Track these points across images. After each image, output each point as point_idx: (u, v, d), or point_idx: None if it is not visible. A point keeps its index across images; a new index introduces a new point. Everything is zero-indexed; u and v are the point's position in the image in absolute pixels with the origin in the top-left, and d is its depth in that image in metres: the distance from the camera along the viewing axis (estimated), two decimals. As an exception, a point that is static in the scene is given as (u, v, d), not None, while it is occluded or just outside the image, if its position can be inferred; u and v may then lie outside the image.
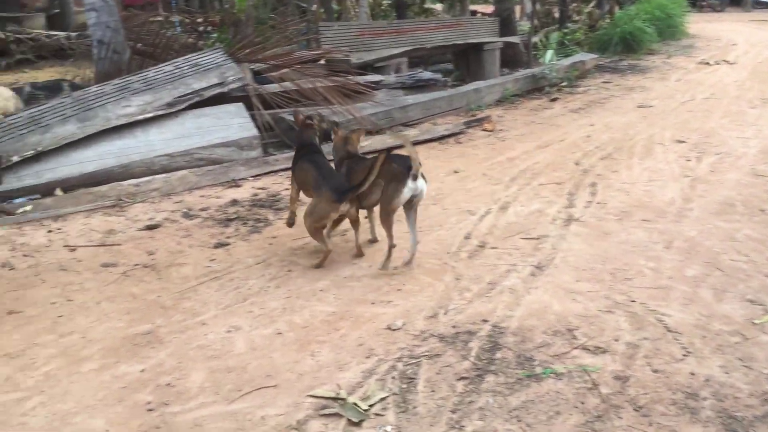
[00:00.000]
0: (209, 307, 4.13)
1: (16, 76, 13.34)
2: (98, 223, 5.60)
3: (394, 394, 3.11)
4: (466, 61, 11.80)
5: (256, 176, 6.86)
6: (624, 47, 14.43)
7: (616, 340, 3.48)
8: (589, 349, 3.40)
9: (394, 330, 3.71)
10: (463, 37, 11.98)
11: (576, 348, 3.42)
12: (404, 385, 3.17)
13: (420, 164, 4.34)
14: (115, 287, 4.50)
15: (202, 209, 5.95)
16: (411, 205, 4.46)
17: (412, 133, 8.12)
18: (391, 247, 4.44)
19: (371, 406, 3.01)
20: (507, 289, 4.12)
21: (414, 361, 3.37)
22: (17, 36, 14.69)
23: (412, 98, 9.05)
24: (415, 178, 4.32)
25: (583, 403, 2.98)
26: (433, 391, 3.12)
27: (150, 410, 3.11)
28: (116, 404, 3.17)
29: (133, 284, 4.53)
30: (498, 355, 3.39)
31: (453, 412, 2.95)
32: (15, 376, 3.42)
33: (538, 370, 3.24)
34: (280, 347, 3.60)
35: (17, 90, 6.97)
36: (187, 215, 5.82)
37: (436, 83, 9.79)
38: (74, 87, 7.64)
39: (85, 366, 3.52)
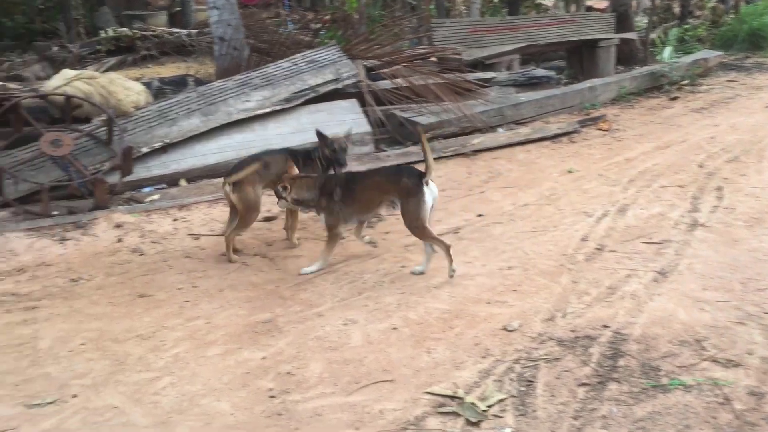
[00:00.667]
0: (325, 300, 4.21)
1: (141, 71, 14.06)
2: (219, 213, 5.82)
3: (513, 396, 3.07)
4: (579, 59, 11.47)
5: (369, 171, 6.93)
6: (750, 44, 13.61)
7: (750, 354, 3.29)
8: (719, 362, 3.23)
9: (510, 331, 3.66)
10: (577, 34, 11.64)
11: (705, 360, 3.25)
12: (522, 388, 3.12)
13: (432, 168, 4.30)
14: (236, 276, 4.67)
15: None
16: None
17: (524, 131, 7.99)
18: (449, 247, 4.32)
19: (489, 407, 2.98)
20: (628, 294, 3.98)
21: (532, 364, 3.31)
22: (143, 33, 15.47)
23: (524, 96, 8.89)
24: (428, 184, 4.25)
25: (714, 418, 2.83)
26: (552, 395, 3.05)
27: (272, 397, 3.20)
28: (240, 389, 3.28)
29: (253, 273, 4.69)
30: (620, 362, 3.28)
31: (574, 418, 2.88)
32: (147, 357, 3.61)
33: (665, 380, 3.11)
34: (395, 342, 3.63)
35: (147, 84, 7.33)
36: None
37: (549, 81, 9.58)
38: (198, 82, 7.96)
39: (210, 350, 3.67)
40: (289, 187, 4.49)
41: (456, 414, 2.95)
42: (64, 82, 6.41)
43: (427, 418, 2.96)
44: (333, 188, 4.50)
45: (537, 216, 5.46)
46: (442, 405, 3.03)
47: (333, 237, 4.60)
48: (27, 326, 4.01)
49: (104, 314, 4.16)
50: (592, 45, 11.16)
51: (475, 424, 2.87)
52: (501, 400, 3.03)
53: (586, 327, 3.64)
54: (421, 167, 4.32)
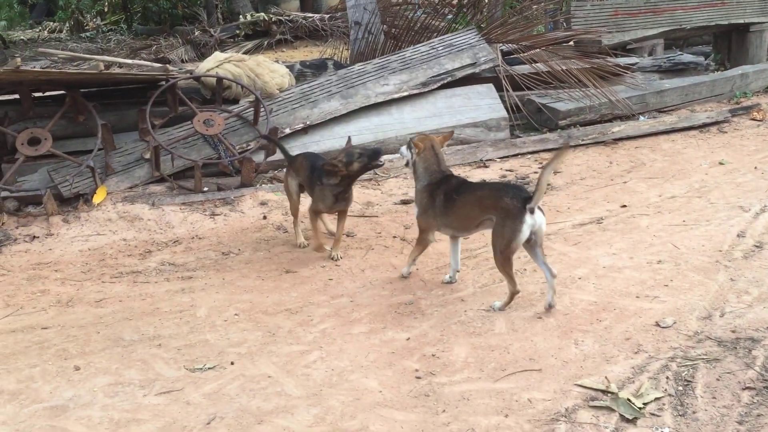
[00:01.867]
0: (467, 285, 4.20)
1: (276, 54, 14.57)
2: (357, 194, 5.92)
3: (670, 395, 2.95)
4: (727, 44, 10.78)
5: (504, 158, 6.85)
6: None
7: None
8: None
9: (663, 327, 3.51)
10: (727, 17, 10.91)
11: None
12: (680, 388, 2.99)
13: (543, 193, 3.66)
14: (377, 256, 4.75)
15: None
16: (531, 243, 3.75)
17: (669, 120, 7.62)
18: (515, 294, 3.81)
19: (646, 404, 2.88)
20: (794, 296, 3.72)
21: (690, 363, 3.17)
22: (278, 18, 15.99)
23: (668, 82, 8.48)
24: (532, 211, 3.62)
25: None
26: (714, 397, 2.91)
27: (418, 378, 3.23)
28: (386, 368, 3.34)
29: (393, 255, 4.76)
30: (789, 368, 3.08)
31: (739, 423, 2.73)
32: (296, 330, 3.75)
33: (841, 390, 2.89)
34: (541, 331, 3.58)
35: (289, 67, 7.56)
36: (439, 192, 5.97)
37: (696, 67, 9.07)
38: (337, 66, 8.11)
39: (355, 328, 3.75)
40: (420, 146, 4.14)
41: (609, 409, 2.87)
42: (216, 64, 6.72)
43: (578, 410, 2.90)
44: (437, 190, 4.04)
45: (687, 209, 5.20)
46: (593, 399, 2.96)
47: (421, 241, 4.20)
48: (185, 294, 4.26)
49: (254, 287, 4.35)
50: (743, 29, 10.46)
51: (631, 422, 2.78)
52: (658, 399, 2.92)
53: (748, 328, 3.44)
54: (547, 157, 4.17)
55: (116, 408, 3.08)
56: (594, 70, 7.72)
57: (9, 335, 3.83)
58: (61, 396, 3.19)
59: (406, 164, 4.34)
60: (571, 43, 9.15)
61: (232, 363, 3.42)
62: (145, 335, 3.76)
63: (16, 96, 6.05)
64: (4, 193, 5.53)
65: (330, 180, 4.54)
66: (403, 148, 4.33)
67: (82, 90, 6.14)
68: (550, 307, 3.78)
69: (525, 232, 3.64)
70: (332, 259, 4.71)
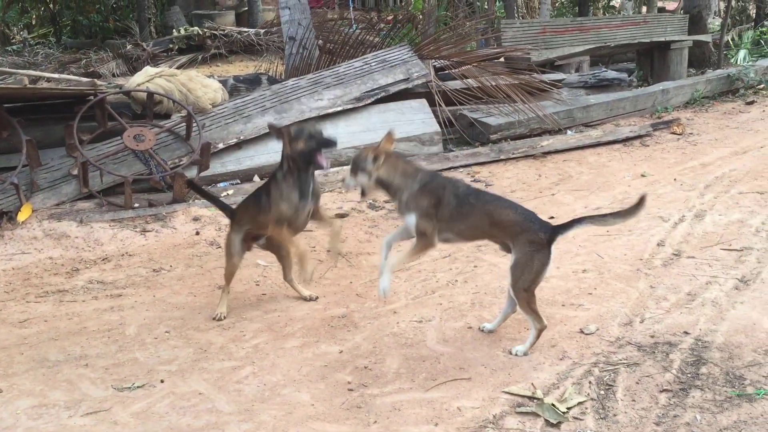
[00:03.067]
0: (400, 297, 4.26)
1: (210, 69, 14.42)
2: (291, 210, 5.93)
3: (592, 399, 3.05)
4: (650, 61, 11.26)
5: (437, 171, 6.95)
6: (830, 47, 13.13)
7: (840, 366, 3.20)
8: (808, 373, 3.15)
9: (587, 334, 3.64)
10: (649, 35, 11.44)
11: (793, 370, 3.18)
12: (602, 392, 3.10)
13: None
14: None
15: (387, 201, 6.13)
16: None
17: (595, 134, 7.89)
18: (542, 329, 3.47)
19: (569, 408, 2.97)
20: (709, 301, 3.91)
21: (611, 368, 3.29)
22: (213, 32, 15.85)
23: (594, 98, 8.80)
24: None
25: (804, 430, 2.77)
26: (633, 400, 3.03)
27: (350, 390, 3.26)
28: (319, 381, 3.35)
29: (327, 269, 4.77)
30: (703, 370, 3.23)
31: (657, 424, 2.85)
32: (228, 346, 3.72)
33: (750, 389, 3.04)
34: (471, 341, 3.65)
35: (222, 82, 7.52)
36: (373, 207, 6.04)
37: (620, 83, 9.44)
38: (271, 81, 8.12)
39: (288, 342, 3.75)
40: (380, 158, 3.48)
41: (535, 414, 2.95)
42: (147, 78, 6.64)
43: (505, 417, 2.97)
44: (441, 190, 3.51)
45: (610, 219, 5.39)
46: (520, 405, 3.04)
47: (424, 245, 3.54)
48: (114, 313, 4.18)
49: (186, 304, 4.30)
50: (664, 47, 10.95)
51: (555, 426, 2.87)
52: (581, 403, 3.02)
53: (666, 333, 3.60)
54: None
55: (40, 430, 3.00)
56: (523, 86, 7.95)
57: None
58: (-19, 420, 3.09)
59: (362, 193, 3.63)
60: (502, 59, 9.40)
61: (162, 381, 3.38)
62: (71, 355, 3.67)
63: (-65, 111, 5.84)
64: None
65: (284, 166, 3.83)
66: (349, 179, 3.60)
67: (6, 105, 5.96)
68: (490, 331, 3.72)
69: (549, 268, 3.44)
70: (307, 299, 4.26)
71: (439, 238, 3.57)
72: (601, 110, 8.59)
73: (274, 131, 3.95)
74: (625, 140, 7.79)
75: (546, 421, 2.91)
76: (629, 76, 10.41)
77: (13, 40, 21.31)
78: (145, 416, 3.08)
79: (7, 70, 10.75)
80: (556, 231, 3.47)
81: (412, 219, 3.51)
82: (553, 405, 2.99)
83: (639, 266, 4.48)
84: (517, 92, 7.80)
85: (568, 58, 10.15)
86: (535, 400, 3.06)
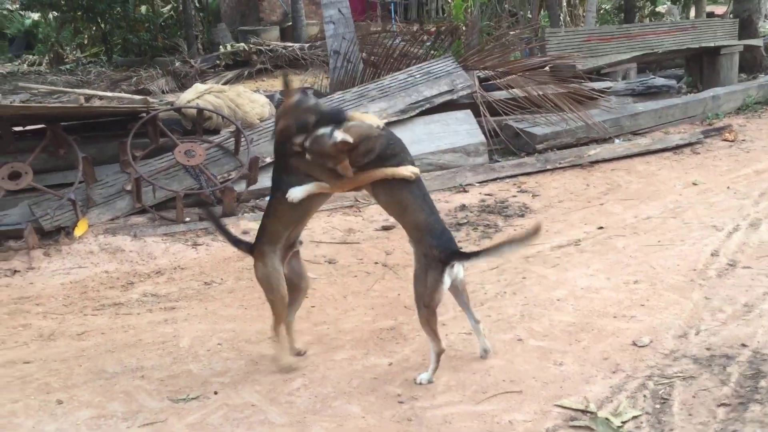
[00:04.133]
0: (448, 309, 4.24)
1: (256, 84, 14.68)
2: (339, 222, 5.99)
3: (647, 413, 3.00)
4: (699, 67, 11.05)
5: (483, 182, 6.94)
6: None
7: None
8: None
9: (640, 346, 3.58)
10: (698, 41, 11.24)
11: None
12: (658, 405, 3.05)
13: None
14: (358, 283, 4.79)
15: (433, 213, 6.14)
16: (457, 289, 3.53)
17: (643, 142, 7.77)
18: (441, 353, 3.39)
19: (624, 422, 2.93)
20: (767, 312, 3.80)
21: (666, 381, 3.23)
22: (258, 47, 16.13)
23: (642, 105, 8.67)
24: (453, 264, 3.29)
25: None
26: (690, 414, 2.97)
27: (401, 402, 3.26)
28: (369, 393, 3.37)
29: (374, 281, 4.80)
30: (762, 383, 3.14)
31: (715, 439, 2.79)
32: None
33: (813, 404, 2.96)
34: (521, 353, 3.63)
35: (270, 97, 7.64)
36: (419, 218, 6.04)
37: (668, 90, 9.28)
38: (317, 95, 8.21)
39: (338, 354, 3.78)
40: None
41: (589, 428, 2.92)
42: (197, 95, 6.79)
43: (558, 430, 2.94)
44: None
45: (662, 229, 5.30)
46: (573, 419, 3.01)
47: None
48: (168, 325, 4.27)
49: (237, 316, 4.37)
50: (713, 52, 10.75)
51: (610, 440, 2.84)
52: (635, 417, 2.97)
53: (723, 345, 3.51)
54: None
55: (99, 441, 3.08)
56: (569, 95, 7.89)
57: (-10, 371, 3.82)
58: (43, 430, 3.18)
59: None
60: (547, 68, 9.33)
61: (215, 392, 3.44)
62: (127, 367, 3.76)
63: (-4, 130, 6.07)
64: (-15, 228, 5.53)
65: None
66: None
67: (63, 123, 6.17)
68: (485, 353, 3.59)
69: (447, 284, 3.32)
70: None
71: None
72: (650, 118, 8.46)
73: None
74: (675, 148, 7.65)
75: (600, 435, 2.87)
76: (678, 83, 10.24)
77: (67, 60, 22.00)
78: (200, 427, 3.14)
79: (63, 89, 11.13)
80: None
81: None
82: (607, 419, 2.95)
83: (693, 277, 4.39)
84: (563, 101, 7.75)
85: (614, 66, 10.03)
86: (588, 414, 3.02)
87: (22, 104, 6.22)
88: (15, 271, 5.23)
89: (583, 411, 3.05)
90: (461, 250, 3.44)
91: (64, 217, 5.73)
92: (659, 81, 9.39)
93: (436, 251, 3.22)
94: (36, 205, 5.78)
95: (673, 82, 9.67)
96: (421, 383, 3.39)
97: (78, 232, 5.63)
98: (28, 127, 6.49)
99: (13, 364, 3.88)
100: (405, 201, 3.29)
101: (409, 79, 7.66)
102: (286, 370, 3.58)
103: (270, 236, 3.50)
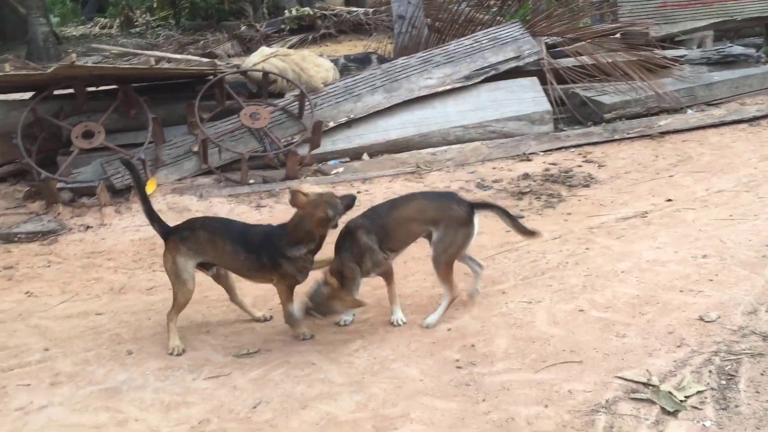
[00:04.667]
0: (508, 277, 4.23)
1: (320, 49, 14.70)
2: (400, 188, 5.98)
3: (712, 389, 2.93)
4: (781, 34, 10.52)
5: (547, 151, 6.82)
6: None
7: None
8: None
9: (707, 322, 3.49)
10: (781, 7, 10.66)
11: None
12: (723, 382, 2.98)
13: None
14: (418, 248, 4.76)
15: (495, 181, 6.09)
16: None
17: (718, 113, 7.48)
18: (454, 299, 3.74)
19: (687, 397, 2.87)
20: (844, 292, 3.66)
21: (733, 358, 3.15)
22: (323, 12, 16.12)
23: (718, 75, 8.32)
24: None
25: None
26: (757, 392, 2.89)
27: (459, 367, 3.28)
28: (427, 357, 3.39)
29: (435, 247, 4.79)
30: (836, 364, 3.04)
31: (783, 418, 2.71)
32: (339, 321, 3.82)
33: None
34: (582, 324, 3.58)
35: (334, 61, 7.64)
36: (481, 186, 6.00)
37: (747, 59, 8.86)
38: (381, 60, 8.17)
39: (398, 318, 3.81)
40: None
41: (651, 402, 2.87)
42: (262, 58, 6.84)
43: (619, 402, 2.91)
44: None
45: (734, 203, 5.12)
46: (634, 391, 2.97)
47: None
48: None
49: (299, 277, 4.43)
50: (798, 19, 10.18)
51: (672, 414, 2.78)
52: (700, 392, 2.91)
53: (795, 324, 3.40)
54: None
55: (167, 391, 3.20)
56: (641, 63, 7.63)
57: (65, 320, 4.00)
58: (114, 379, 3.33)
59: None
60: (618, 35, 9.04)
61: (275, 350, 3.52)
62: (194, 322, 3.89)
63: (71, 90, 6.25)
64: (60, 185, 5.75)
65: (307, 246, 3.49)
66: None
67: (134, 85, 6.32)
68: (472, 295, 3.92)
69: (473, 239, 3.75)
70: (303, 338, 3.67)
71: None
72: (726, 88, 8.12)
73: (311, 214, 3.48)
74: (752, 120, 7.33)
75: (662, 408, 2.82)
76: (757, 52, 9.76)
77: (136, 23, 22.44)
78: (262, 383, 3.22)
79: (134, 51, 11.38)
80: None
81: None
82: (670, 393, 2.90)
83: (765, 252, 4.23)
84: (634, 69, 7.50)
85: (690, 33, 9.63)
86: (650, 387, 2.97)
87: (95, 65, 6.38)
88: (88, 227, 5.43)
89: (645, 384, 3.00)
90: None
91: (134, 176, 5.90)
92: (737, 49, 8.97)
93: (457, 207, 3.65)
94: (108, 164, 5.97)
95: (752, 51, 9.21)
96: (428, 326, 3.66)
97: (147, 190, 5.78)
98: (101, 88, 6.67)
99: (86, 315, 4.05)
100: None
101: (474, 44, 7.53)
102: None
103: (194, 249, 3.54)
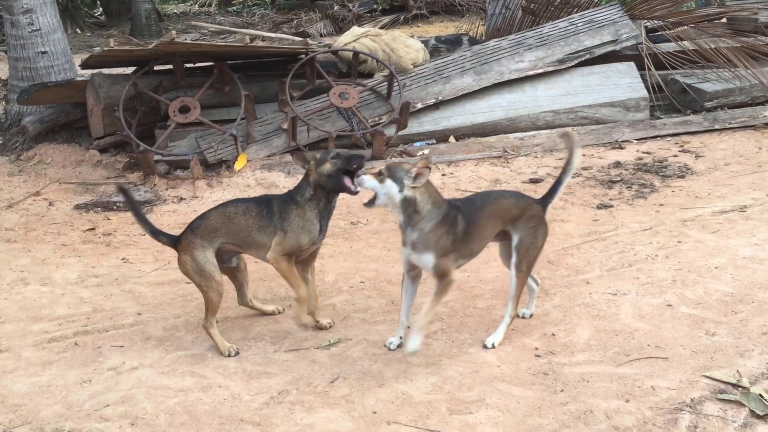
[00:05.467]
0: (593, 267, 4.12)
1: (411, 29, 14.66)
2: (485, 172, 5.93)
3: (807, 394, 2.78)
4: None
5: (641, 139, 6.59)
6: None
7: None
8: None
9: (806, 324, 3.31)
10: None
11: None
12: (820, 388, 2.82)
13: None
14: (502, 234, 4.74)
15: (585, 168, 5.93)
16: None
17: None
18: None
19: (780, 402, 2.74)
20: None
21: (833, 364, 2.97)
22: (416, -10, 16.04)
23: (833, 63, 7.79)
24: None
25: None
26: None
27: (537, 356, 3.23)
28: (506, 344, 3.35)
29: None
30: None
31: None
32: (419, 302, 3.82)
33: None
34: (669, 320, 3.46)
35: (424, 42, 7.60)
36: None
37: None
38: (472, 41, 8.06)
39: (477, 303, 3.79)
40: (423, 177, 3.08)
41: (739, 403, 2.75)
42: (353, 38, 6.88)
43: (704, 402, 2.80)
44: (457, 223, 3.20)
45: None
46: (722, 391, 2.85)
47: (445, 286, 3.19)
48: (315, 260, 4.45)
49: (380, 257, 4.48)
50: None
51: (762, 418, 2.66)
52: (793, 397, 2.77)
53: None
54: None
55: (249, 361, 3.30)
56: (747, 50, 7.23)
57: (157, 287, 4.18)
58: (201, 345, 3.46)
59: (372, 201, 3.19)
60: (723, 20, 8.60)
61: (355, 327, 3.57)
62: (277, 295, 3.99)
63: (170, 67, 6.48)
64: (157, 157, 5.98)
65: (307, 191, 3.36)
66: (370, 180, 3.15)
67: (229, 62, 6.49)
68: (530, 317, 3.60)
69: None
70: (322, 328, 3.58)
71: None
72: (841, 78, 7.60)
73: (298, 159, 3.45)
74: None
75: (751, 411, 2.70)
76: None
77: (234, 2, 22.99)
78: (341, 359, 3.28)
79: (230, 29, 11.67)
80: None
81: (429, 260, 3.12)
82: (760, 396, 2.77)
83: None
84: (738, 56, 7.12)
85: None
86: (740, 389, 2.85)
87: (193, 42, 6.57)
88: (181, 199, 5.64)
89: (734, 385, 2.87)
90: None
91: (226, 151, 6.08)
92: None
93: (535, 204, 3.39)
94: (202, 139, 6.17)
95: None
96: (494, 347, 3.31)
97: (238, 165, 5.96)
98: (198, 65, 6.88)
99: (177, 283, 4.21)
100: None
101: (569, 27, 7.33)
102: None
103: (207, 234, 3.39)
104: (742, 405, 2.75)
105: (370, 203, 3.18)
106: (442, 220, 3.13)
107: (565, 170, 3.45)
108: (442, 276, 3.16)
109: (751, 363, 3.04)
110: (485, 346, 3.33)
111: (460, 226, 3.18)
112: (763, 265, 3.95)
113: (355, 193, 3.34)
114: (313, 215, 3.36)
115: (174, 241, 3.45)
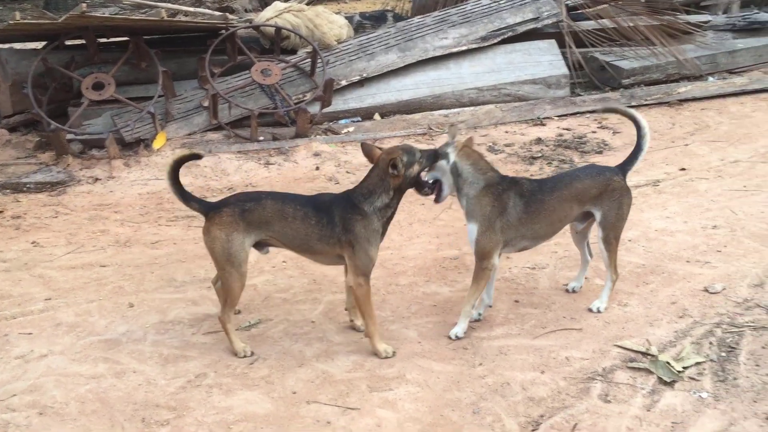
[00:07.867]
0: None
1: (338, 6, 14.49)
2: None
3: (712, 360, 2.90)
4: (811, 2, 10.21)
5: (562, 116, 6.72)
6: None
7: None
8: None
9: (712, 293, 3.45)
10: (813, -27, 10.34)
11: None
12: (723, 354, 2.95)
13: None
14: (425, 211, 4.76)
15: (507, 145, 6.01)
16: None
17: (740, 81, 7.31)
18: (616, 280, 3.43)
19: (685, 368, 2.85)
20: None
21: (735, 330, 3.11)
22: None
23: (742, 42, 8.12)
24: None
25: None
26: (757, 365, 2.86)
27: (457, 331, 3.27)
28: (427, 320, 3.38)
29: (441, 210, 4.76)
30: (840, 340, 2.99)
31: (782, 392, 2.68)
32: (339, 278, 3.77)
33: None
34: (584, 291, 3.56)
35: (348, 18, 7.52)
36: (492, 149, 5.92)
37: (773, 26, 8.62)
38: (397, 18, 8.04)
39: (399, 280, 3.80)
40: (460, 148, 3.20)
41: (648, 371, 2.86)
42: (276, 13, 6.74)
43: (616, 370, 2.89)
44: (504, 193, 3.17)
45: (749, 174, 5.03)
46: (632, 360, 2.95)
47: (484, 274, 3.16)
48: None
49: (303, 236, 4.42)
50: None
51: (668, 384, 2.77)
52: (698, 363, 2.88)
53: (802, 298, 3.35)
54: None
55: (166, 344, 3.22)
56: (663, 28, 7.46)
57: (70, 271, 4.02)
58: (115, 330, 3.35)
59: (438, 193, 3.25)
60: (642, -2, 8.82)
61: (275, 308, 3.52)
62: (196, 277, 3.89)
63: (83, 41, 6.21)
64: (70, 136, 5.74)
65: (380, 199, 3.02)
66: (426, 173, 3.18)
67: (145, 37, 6.26)
68: (574, 291, 3.60)
69: None
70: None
71: (514, 249, 3.28)
72: (749, 56, 7.93)
73: (390, 167, 2.97)
74: (774, 89, 7.18)
75: (659, 378, 2.81)
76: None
77: (155, -25, 22.18)
78: (261, 339, 3.23)
79: (149, 3, 11.24)
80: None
81: (472, 232, 3.15)
82: (668, 363, 2.88)
83: (777, 226, 4.16)
84: (656, 34, 7.33)
85: (716, -2, 9.40)
86: (649, 357, 2.95)
87: (105, 15, 6.30)
88: (96, 179, 5.44)
89: (643, 353, 2.98)
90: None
91: (144, 130, 5.89)
92: (764, 16, 8.73)
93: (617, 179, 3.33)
94: (117, 117, 5.96)
95: (778, 18, 8.97)
96: (599, 311, 3.35)
97: (156, 144, 5.78)
98: (113, 40, 6.61)
99: (91, 266, 4.07)
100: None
101: (492, 4, 7.37)
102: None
103: (253, 221, 3.05)
104: (651, 372, 2.85)
105: (438, 197, 3.28)
106: (486, 188, 3.15)
107: (640, 136, 3.45)
108: (482, 257, 3.14)
109: (659, 332, 3.15)
110: (590, 310, 3.36)
111: (513, 202, 3.14)
112: (673, 237, 4.10)
113: (428, 194, 3.23)
114: (379, 225, 3.03)
115: (209, 210, 3.08)
